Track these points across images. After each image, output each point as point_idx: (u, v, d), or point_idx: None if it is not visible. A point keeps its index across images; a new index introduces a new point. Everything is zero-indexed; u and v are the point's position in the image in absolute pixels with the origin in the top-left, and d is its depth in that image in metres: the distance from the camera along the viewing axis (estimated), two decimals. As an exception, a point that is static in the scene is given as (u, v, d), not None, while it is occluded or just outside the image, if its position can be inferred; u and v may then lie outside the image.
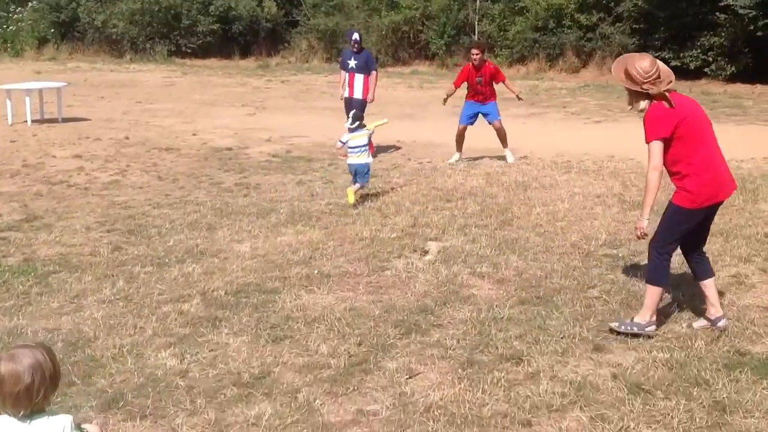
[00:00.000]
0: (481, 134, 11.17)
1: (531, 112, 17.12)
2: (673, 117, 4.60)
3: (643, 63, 4.69)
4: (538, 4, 26.08)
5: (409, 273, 5.70)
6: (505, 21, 27.43)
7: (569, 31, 25.57)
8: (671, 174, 4.74)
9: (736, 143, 11.22)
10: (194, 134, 13.70)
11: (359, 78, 11.66)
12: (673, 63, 22.05)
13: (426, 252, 6.27)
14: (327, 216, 7.69)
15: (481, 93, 10.82)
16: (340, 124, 16.19)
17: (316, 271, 5.79)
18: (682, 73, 22.51)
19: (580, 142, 12.78)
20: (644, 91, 4.66)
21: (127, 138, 13.09)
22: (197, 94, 20.77)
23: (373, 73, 11.73)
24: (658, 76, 4.67)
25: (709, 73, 21.78)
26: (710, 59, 21.73)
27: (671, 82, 4.80)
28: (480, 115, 11.00)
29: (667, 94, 4.66)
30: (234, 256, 6.32)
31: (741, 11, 19.80)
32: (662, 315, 4.86)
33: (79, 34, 32.49)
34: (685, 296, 5.23)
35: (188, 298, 5.27)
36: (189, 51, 30.81)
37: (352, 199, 8.17)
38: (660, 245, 4.75)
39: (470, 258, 6.04)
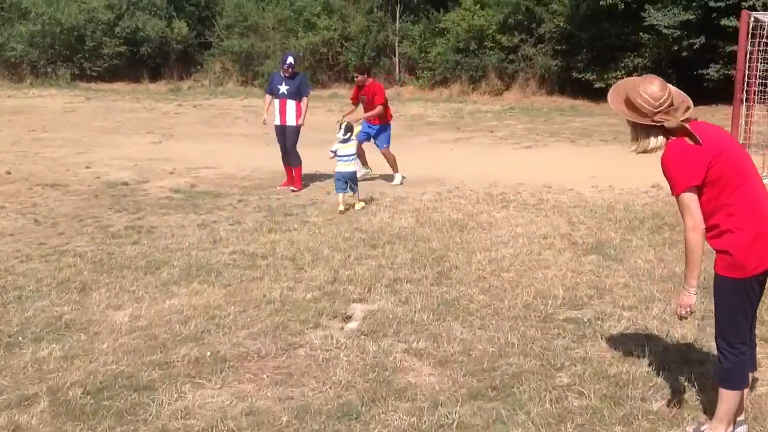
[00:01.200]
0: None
1: (457, 137, 16.23)
2: (703, 156, 3.43)
3: (649, 87, 3.55)
4: (459, 25, 25.45)
5: (327, 352, 4.51)
6: (426, 42, 26.72)
7: (491, 52, 25.00)
8: (706, 231, 3.47)
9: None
10: (87, 167, 12.24)
11: (291, 104, 10.61)
12: (597, 84, 21.73)
13: (349, 318, 5.11)
14: (230, 269, 6.44)
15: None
16: (254, 152, 15.10)
17: (208, 353, 4.54)
18: (604, 94, 22.15)
19: (513, 169, 11.89)
20: (656, 124, 3.51)
21: (8, 173, 11.55)
22: (99, 120, 19.17)
23: (305, 98, 10.74)
24: (671, 103, 3.53)
25: (632, 94, 21.37)
26: (635, 81, 21.33)
27: (689, 108, 3.62)
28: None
29: (687, 125, 3.48)
30: (107, 331, 5.02)
31: (665, 31, 19.46)
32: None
33: (-26, 58, 30.29)
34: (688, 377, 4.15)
35: (32, 402, 3.95)
36: (94, 74, 29.05)
37: (359, 205, 9.00)
38: (728, 338, 3.52)
39: (403, 327, 4.90)
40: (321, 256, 6.74)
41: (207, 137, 16.48)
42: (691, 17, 18.98)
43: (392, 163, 11.12)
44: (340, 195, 8.94)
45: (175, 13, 30.67)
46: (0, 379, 4.29)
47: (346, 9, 27.82)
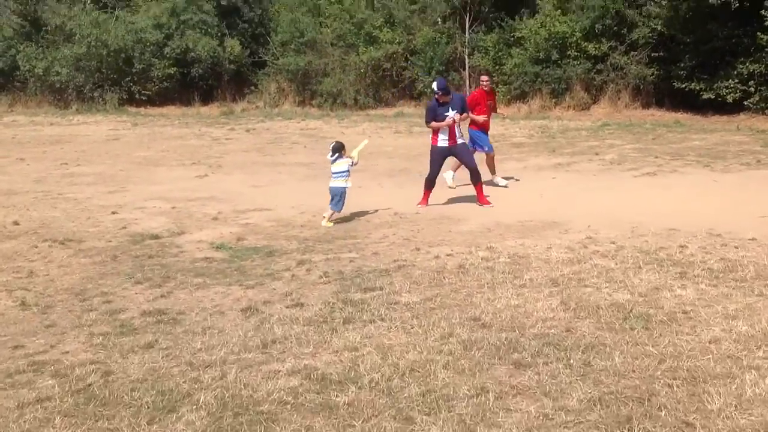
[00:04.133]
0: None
1: (556, 162, 13.56)
2: None
3: None
4: (537, 33, 22.78)
5: None
6: (500, 53, 24.10)
7: (576, 62, 22.24)
8: None
9: None
10: (114, 212, 9.96)
11: (458, 127, 9.96)
12: (706, 95, 18.81)
13: None
14: (288, 412, 3.93)
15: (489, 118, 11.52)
16: (314, 187, 12.65)
17: None
18: (717, 107, 19.17)
19: (647, 207, 9.23)
20: None
21: (15, 223, 9.32)
22: (143, 149, 17.05)
23: (464, 114, 10.15)
24: None
25: (750, 106, 18.40)
26: (751, 89, 18.36)
27: None
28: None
29: None
30: None
31: (791, 31, 16.48)
32: None
33: (19, 84, 28.75)
34: None
35: None
36: (144, 98, 27.16)
37: (325, 222, 9.02)
38: None
39: None
40: (436, 389, 4.17)
41: (260, 168, 14.14)
42: (827, 13, 16.01)
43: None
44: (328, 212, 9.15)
45: (227, 31, 28.70)
46: None
47: (410, 20, 25.40)
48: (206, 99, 27.65)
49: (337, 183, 9.20)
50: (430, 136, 10.07)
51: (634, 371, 4.14)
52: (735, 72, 18.55)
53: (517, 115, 22.36)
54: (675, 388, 3.91)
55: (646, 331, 4.68)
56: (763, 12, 17.07)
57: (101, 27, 27.03)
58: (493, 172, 11.52)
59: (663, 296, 5.38)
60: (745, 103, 18.46)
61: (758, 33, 17.76)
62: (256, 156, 15.79)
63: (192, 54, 26.96)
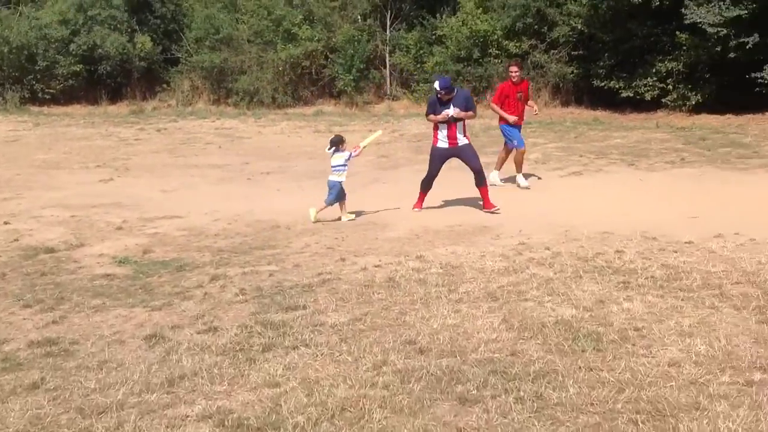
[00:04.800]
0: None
1: (482, 162, 13.16)
2: None
3: None
4: (459, 31, 22.49)
5: None
6: (422, 52, 23.71)
7: (497, 60, 22.03)
8: None
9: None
10: (6, 222, 9.05)
11: (460, 126, 9.28)
12: (625, 93, 18.83)
13: None
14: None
15: (522, 112, 11.02)
16: (230, 191, 11.98)
17: None
18: (635, 104, 19.23)
19: (578, 209, 8.94)
20: None
21: None
22: (43, 152, 15.94)
23: (470, 112, 9.33)
24: None
25: (668, 104, 18.50)
26: (669, 87, 18.46)
27: None
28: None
29: None
30: None
31: (710, 29, 16.56)
32: None
33: None
34: None
35: None
36: (48, 97, 25.67)
37: (314, 216, 8.95)
38: None
39: None
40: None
41: (171, 170, 13.32)
42: (743, 12, 16.12)
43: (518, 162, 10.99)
44: (336, 205, 9.16)
45: (138, 27, 27.41)
46: None
47: (330, 17, 24.73)
48: (114, 97, 26.33)
49: (332, 177, 9.19)
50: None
51: (592, 404, 3.68)
52: (653, 70, 18.60)
53: (438, 113, 22.04)
54: (640, 425, 3.47)
55: (599, 353, 4.24)
56: (682, 10, 17.13)
57: (3, 23, 25.48)
58: (519, 169, 10.96)
59: (610, 310, 4.97)
60: (663, 100, 18.56)
61: (677, 32, 17.85)
62: (167, 157, 14.93)
63: (100, 51, 25.60)
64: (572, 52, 21.05)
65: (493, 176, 10.82)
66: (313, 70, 24.83)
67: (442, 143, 9.26)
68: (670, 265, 6.08)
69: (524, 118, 11.22)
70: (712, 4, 16.94)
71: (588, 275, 5.91)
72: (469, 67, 22.33)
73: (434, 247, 7.47)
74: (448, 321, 5.05)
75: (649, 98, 18.63)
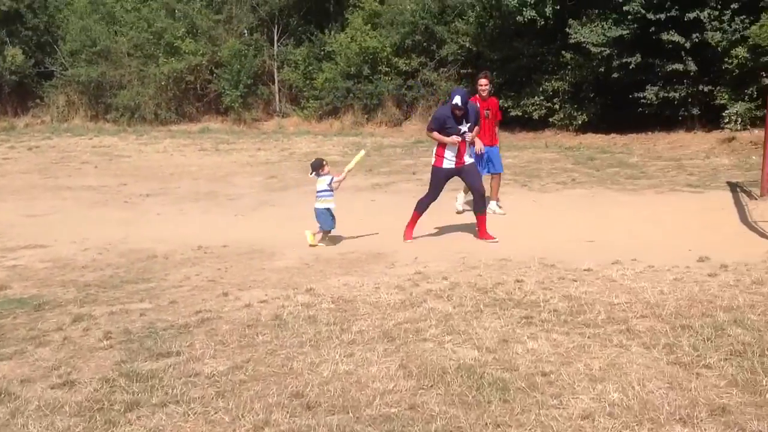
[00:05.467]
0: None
1: (374, 182, 12.86)
2: None
3: None
4: (348, 48, 22.19)
5: None
6: (311, 68, 23.29)
7: (387, 78, 21.89)
8: None
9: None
10: None
11: (468, 142, 8.40)
12: (514, 112, 18.91)
13: None
14: None
15: (488, 132, 9.57)
16: (104, 215, 11.07)
17: None
18: (524, 123, 19.35)
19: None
20: None
21: None
22: None
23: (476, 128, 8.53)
24: None
25: (556, 123, 18.73)
26: (556, 107, 18.69)
27: None
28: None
29: None
30: None
31: (593, 50, 16.85)
32: None
33: None
34: None
35: None
36: None
37: (311, 239, 8.50)
38: None
39: None
40: None
41: (40, 193, 12.32)
42: (625, 32, 16.47)
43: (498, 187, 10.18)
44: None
45: (8, 39, 25.82)
46: None
47: (215, 31, 23.97)
48: (-18, 113, 24.70)
49: (316, 203, 8.72)
50: (434, 153, 8.38)
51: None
52: (540, 89, 18.79)
53: (329, 131, 21.62)
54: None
55: (506, 404, 3.84)
56: (567, 30, 17.38)
57: None
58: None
59: (514, 351, 4.60)
60: (551, 120, 18.76)
61: (562, 51, 18.10)
62: (37, 178, 13.86)
63: (-35, 63, 23.97)
64: (461, 70, 21.11)
65: (493, 205, 9.91)
66: (198, 86, 23.99)
67: (448, 163, 8.26)
68: (572, 296, 5.80)
69: (497, 139, 10.02)
70: (596, 24, 17.27)
71: (489, 309, 5.55)
72: (360, 84, 22.06)
73: (326, 277, 6.97)
74: (340, 367, 4.56)
75: (537, 117, 18.81)
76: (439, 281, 6.54)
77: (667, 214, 9.21)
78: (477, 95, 9.40)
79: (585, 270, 6.72)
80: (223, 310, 6.01)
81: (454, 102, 7.96)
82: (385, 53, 21.93)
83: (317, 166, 8.86)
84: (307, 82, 23.20)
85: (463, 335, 4.97)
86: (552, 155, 15.17)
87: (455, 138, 8.07)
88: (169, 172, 15.28)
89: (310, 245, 8.40)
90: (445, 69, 21.48)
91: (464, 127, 8.08)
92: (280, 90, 24.10)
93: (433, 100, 21.68)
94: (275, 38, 23.98)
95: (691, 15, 15.48)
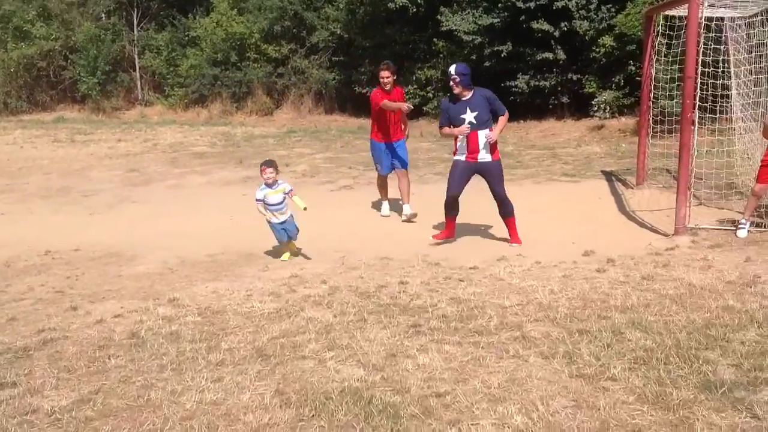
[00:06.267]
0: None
1: (245, 175, 12.15)
2: None
3: None
4: (213, 33, 21.25)
5: None
6: (174, 54, 22.17)
7: (256, 65, 21.12)
8: None
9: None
10: None
11: (483, 135, 7.20)
12: (387, 100, 18.52)
13: None
14: None
15: (393, 126, 8.88)
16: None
17: None
18: (397, 111, 19.15)
19: (351, 230, 8.15)
20: None
21: None
22: None
23: (501, 118, 7.27)
24: None
25: (429, 111, 18.52)
26: (430, 95, 18.49)
27: None
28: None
29: None
30: None
31: (465, 38, 16.72)
32: None
33: None
34: None
35: None
36: None
37: (288, 256, 7.14)
38: None
39: None
40: None
41: None
42: (496, 21, 16.42)
43: (409, 185, 9.12)
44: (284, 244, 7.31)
45: None
46: None
47: (69, 14, 22.40)
48: None
49: (276, 218, 7.22)
50: (490, 150, 7.28)
51: None
52: (414, 77, 18.56)
53: (196, 120, 20.61)
54: None
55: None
56: (438, 17, 17.17)
57: None
58: (384, 196, 9.24)
59: (404, 368, 4.13)
60: (424, 108, 18.55)
61: (434, 39, 17.90)
62: None
63: None
64: (333, 58, 20.61)
65: (406, 209, 8.91)
66: (52, 72, 22.37)
67: (460, 155, 7.34)
68: (460, 298, 5.41)
69: (400, 134, 8.98)
70: (467, 12, 17.15)
71: (373, 317, 5.06)
72: (228, 71, 21.18)
73: (191, 284, 6.30)
74: (206, 396, 3.95)
75: (411, 106, 18.51)
76: (317, 285, 6.01)
77: (546, 204, 9.04)
78: (379, 88, 8.64)
79: (471, 268, 6.37)
80: (71, 327, 5.25)
81: (450, 71, 7.18)
82: (254, 39, 21.15)
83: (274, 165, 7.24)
84: (171, 69, 22.08)
85: (347, 350, 4.47)
86: (428, 145, 14.90)
87: (462, 128, 7.14)
88: (17, 166, 13.98)
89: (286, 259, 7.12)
90: (317, 56, 20.92)
91: (469, 116, 7.14)
92: (141, 77, 22.82)
93: (304, 88, 21.08)
94: (135, 22, 22.66)
95: (560, 4, 15.58)
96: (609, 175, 10.54)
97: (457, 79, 7.10)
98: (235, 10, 21.51)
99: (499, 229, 7.71)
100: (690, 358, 4.05)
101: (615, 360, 4.05)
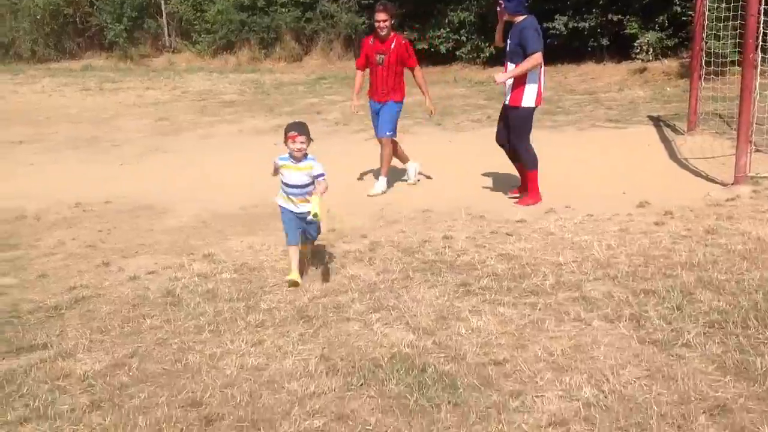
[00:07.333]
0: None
1: (276, 124, 11.82)
2: None
3: None
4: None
5: None
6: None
7: (284, 9, 20.55)
8: None
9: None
10: None
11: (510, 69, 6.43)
12: (420, 45, 17.95)
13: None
14: None
15: (381, 84, 7.40)
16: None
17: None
18: (430, 57, 18.48)
19: (402, 183, 7.82)
20: None
21: None
22: None
23: (526, 59, 6.30)
24: None
25: (463, 56, 17.96)
26: (463, 39, 17.89)
27: None
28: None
29: None
30: None
31: (502, -22, 16.03)
32: None
33: None
34: None
35: None
36: None
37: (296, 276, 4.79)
38: None
39: None
40: None
41: None
42: (534, -40, 15.72)
43: (389, 159, 7.53)
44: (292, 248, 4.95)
45: None
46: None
47: (93, -42, 21.94)
48: None
49: (302, 206, 4.95)
50: (509, 91, 6.44)
51: None
52: (446, 20, 17.95)
53: (225, 67, 20.23)
54: None
55: (456, 409, 3.09)
56: (474, -42, 16.50)
57: None
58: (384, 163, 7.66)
59: (457, 332, 3.85)
60: (458, 53, 17.99)
61: (467, -20, 17.24)
62: None
63: None
64: (362, 1, 19.97)
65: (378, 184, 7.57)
66: (78, 19, 22.01)
67: (529, 101, 6.52)
68: (510, 255, 5.10)
69: (390, 94, 7.43)
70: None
71: (419, 275, 4.78)
72: (255, 16, 20.68)
73: (226, 238, 6.06)
74: (247, 361, 3.72)
75: (444, 51, 17.99)
76: (357, 240, 5.73)
77: (592, 152, 8.63)
78: (373, 34, 7.46)
79: (518, 221, 6.05)
80: (103, 285, 5.04)
81: None
82: (281, -18, 20.56)
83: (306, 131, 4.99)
84: (198, 14, 21.61)
85: (394, 311, 4.19)
86: (463, 91, 14.44)
87: (536, 59, 6.30)
88: (46, 115, 13.77)
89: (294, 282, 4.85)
90: (346, 0, 20.31)
91: (508, 46, 6.51)
92: (168, 23, 22.38)
93: (333, 33, 20.54)
94: (161, -35, 22.15)
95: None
96: (656, 121, 10.06)
97: (503, 4, 6.46)
98: (261, -49, 20.90)
99: (545, 180, 7.34)
100: (769, 322, 3.72)
101: (688, 324, 3.74)
